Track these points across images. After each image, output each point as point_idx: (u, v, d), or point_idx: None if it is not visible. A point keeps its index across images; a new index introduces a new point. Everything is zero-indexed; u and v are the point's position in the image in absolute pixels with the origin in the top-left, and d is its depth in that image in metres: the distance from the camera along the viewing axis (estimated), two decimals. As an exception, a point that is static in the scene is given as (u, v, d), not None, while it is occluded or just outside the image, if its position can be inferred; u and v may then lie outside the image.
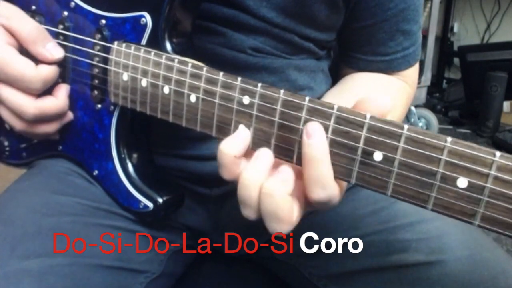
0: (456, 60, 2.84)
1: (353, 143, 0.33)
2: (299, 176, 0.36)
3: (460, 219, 0.31)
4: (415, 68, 0.61)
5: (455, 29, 2.96)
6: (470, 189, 0.29)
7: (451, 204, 0.30)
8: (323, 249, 0.53)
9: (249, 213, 0.37)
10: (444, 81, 3.03)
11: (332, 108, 0.33)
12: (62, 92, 0.51)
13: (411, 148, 0.31)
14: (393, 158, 0.31)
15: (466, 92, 2.48)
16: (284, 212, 0.35)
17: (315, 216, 0.55)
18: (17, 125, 0.49)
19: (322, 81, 0.59)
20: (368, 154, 0.32)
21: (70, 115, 0.53)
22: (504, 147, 2.11)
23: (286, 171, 0.35)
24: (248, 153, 0.38)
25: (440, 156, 0.30)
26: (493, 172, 0.29)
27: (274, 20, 0.50)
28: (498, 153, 0.29)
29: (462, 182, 0.30)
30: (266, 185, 0.35)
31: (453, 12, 2.95)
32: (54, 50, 0.49)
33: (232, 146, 0.37)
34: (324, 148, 0.34)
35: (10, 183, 0.56)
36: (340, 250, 0.52)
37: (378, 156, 0.32)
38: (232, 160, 0.36)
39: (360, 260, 0.50)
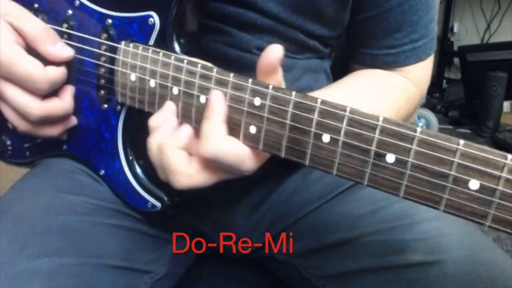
0: (456, 60, 2.84)
1: (365, 145, 0.33)
2: None
3: (471, 220, 0.31)
4: (425, 65, 0.57)
5: (455, 29, 2.96)
6: (482, 191, 0.30)
7: (463, 205, 0.31)
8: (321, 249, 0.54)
9: (160, 175, 0.42)
10: (444, 81, 3.03)
11: (345, 110, 0.33)
12: (68, 94, 0.51)
13: (424, 150, 0.31)
14: (405, 160, 0.32)
15: (466, 92, 2.48)
16: (175, 163, 0.39)
17: (314, 216, 0.55)
18: (21, 125, 0.49)
19: (323, 82, 0.59)
20: (380, 156, 0.32)
21: (74, 120, 0.53)
22: (504, 147, 2.11)
23: (182, 129, 0.41)
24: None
25: (452, 159, 0.30)
26: (504, 174, 0.29)
27: (280, 15, 0.50)
28: (509, 156, 0.29)
29: (474, 184, 0.30)
30: (160, 142, 0.40)
31: (453, 12, 2.95)
32: (63, 49, 0.49)
33: (154, 119, 0.43)
34: (215, 111, 0.39)
35: (10, 182, 0.56)
36: (339, 250, 0.52)
37: (390, 158, 0.32)
38: (152, 129, 0.42)
39: (359, 260, 0.50)
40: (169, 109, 0.43)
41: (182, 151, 0.40)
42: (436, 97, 2.82)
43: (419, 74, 0.58)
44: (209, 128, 0.39)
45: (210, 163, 0.40)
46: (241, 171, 0.40)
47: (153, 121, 0.43)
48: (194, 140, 0.41)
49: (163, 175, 0.42)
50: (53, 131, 0.51)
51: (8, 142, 0.60)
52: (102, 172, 0.53)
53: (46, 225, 0.47)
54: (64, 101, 0.50)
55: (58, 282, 0.43)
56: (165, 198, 0.49)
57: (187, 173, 0.40)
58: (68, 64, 0.52)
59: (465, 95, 2.50)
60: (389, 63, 0.56)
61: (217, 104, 0.39)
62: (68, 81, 0.53)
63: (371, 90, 0.54)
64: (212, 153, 0.38)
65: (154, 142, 0.41)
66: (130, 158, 0.51)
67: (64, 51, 0.49)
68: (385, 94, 0.54)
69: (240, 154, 0.39)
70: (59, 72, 0.48)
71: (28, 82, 0.46)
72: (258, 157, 0.40)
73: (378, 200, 0.52)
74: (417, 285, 0.46)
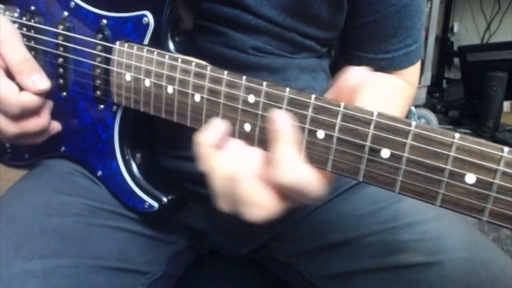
0: (456, 60, 2.84)
1: (360, 141, 0.33)
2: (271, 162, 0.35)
3: (468, 215, 0.30)
4: (417, 66, 0.60)
5: (455, 29, 2.96)
6: (478, 185, 0.29)
7: (460, 200, 0.30)
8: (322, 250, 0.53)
9: (222, 204, 0.37)
10: (444, 81, 3.03)
11: (339, 106, 0.33)
12: (46, 110, 0.52)
13: (419, 144, 0.31)
14: (400, 155, 0.31)
15: (466, 92, 2.48)
16: (250, 193, 0.34)
17: (314, 216, 0.55)
18: (2, 138, 0.51)
19: (323, 80, 0.59)
20: (375, 152, 0.32)
21: (56, 127, 0.54)
22: (505, 147, 2.10)
23: (251, 154, 0.36)
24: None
25: (448, 153, 0.30)
26: (501, 167, 0.28)
27: (275, 19, 0.50)
28: (506, 149, 0.29)
29: (471, 178, 0.30)
30: (231, 169, 0.35)
31: (453, 12, 2.96)
32: (39, 82, 0.49)
33: (206, 136, 0.37)
34: (286, 134, 0.34)
35: (10, 183, 0.56)
36: (339, 251, 0.52)
37: (385, 153, 0.32)
38: (207, 149, 0.37)
39: (359, 261, 0.50)
40: (221, 127, 0.38)
41: (255, 179, 0.35)
42: (436, 97, 2.82)
43: (411, 74, 0.59)
44: (285, 153, 0.34)
45: (282, 191, 0.35)
46: (311, 198, 0.35)
47: (203, 138, 0.37)
48: (264, 165, 0.36)
49: (229, 205, 0.37)
50: (34, 140, 0.53)
51: (7, 145, 0.61)
52: (99, 173, 0.53)
53: (42, 227, 0.47)
54: (42, 117, 0.51)
55: (53, 283, 0.43)
56: (163, 198, 0.49)
57: (261, 204, 0.35)
58: (65, 65, 0.52)
59: (465, 95, 2.50)
60: (384, 67, 0.58)
61: (286, 125, 0.34)
62: (64, 83, 0.53)
63: (383, 95, 0.55)
64: (290, 181, 0.33)
65: (223, 169, 0.36)
66: (127, 157, 0.50)
67: (39, 83, 0.49)
68: (392, 98, 0.56)
69: (311, 180, 0.34)
70: (32, 99, 0.49)
71: (1, 104, 0.47)
72: (325, 180, 0.36)
73: (378, 200, 0.52)
74: (417, 286, 0.45)
